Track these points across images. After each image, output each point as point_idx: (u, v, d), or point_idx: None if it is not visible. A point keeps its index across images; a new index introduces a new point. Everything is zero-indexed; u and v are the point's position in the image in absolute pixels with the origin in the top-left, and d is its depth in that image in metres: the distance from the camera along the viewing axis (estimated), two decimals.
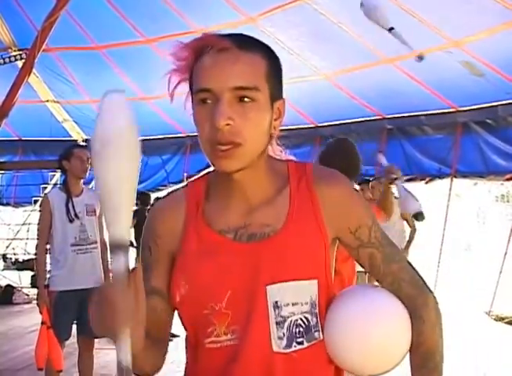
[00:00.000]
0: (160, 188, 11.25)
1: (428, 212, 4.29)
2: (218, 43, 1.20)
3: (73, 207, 4.46)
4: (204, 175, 1.40)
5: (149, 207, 8.49)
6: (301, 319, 1.26)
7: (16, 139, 12.29)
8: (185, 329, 1.35)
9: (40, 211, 4.70)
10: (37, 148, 12.20)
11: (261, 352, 1.24)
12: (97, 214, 4.58)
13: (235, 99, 1.20)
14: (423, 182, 8.92)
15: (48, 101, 11.47)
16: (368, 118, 9.25)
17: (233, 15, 8.30)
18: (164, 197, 1.44)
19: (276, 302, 1.24)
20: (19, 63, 9.34)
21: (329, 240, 1.30)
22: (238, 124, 1.19)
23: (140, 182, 10.10)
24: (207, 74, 1.21)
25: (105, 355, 6.36)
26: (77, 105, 11.31)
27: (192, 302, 1.29)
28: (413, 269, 1.36)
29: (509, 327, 7.48)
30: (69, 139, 12.09)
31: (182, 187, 1.41)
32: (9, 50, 10.00)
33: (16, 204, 12.38)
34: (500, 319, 7.57)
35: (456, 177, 8.70)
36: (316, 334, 1.29)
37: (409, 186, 8.55)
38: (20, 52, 9.50)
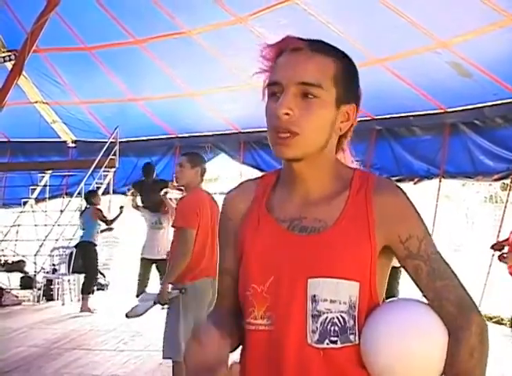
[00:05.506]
0: None
1: None
2: (294, 44, 1.33)
3: None
4: (278, 169, 1.49)
5: None
6: (338, 319, 1.28)
7: (5, 140, 12.25)
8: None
9: None
10: (25, 149, 12.16)
11: (296, 342, 1.28)
12: None
13: (300, 94, 1.30)
14: (412, 182, 8.97)
15: (37, 102, 11.44)
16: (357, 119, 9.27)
17: (223, 15, 8.33)
18: (237, 186, 1.53)
19: (314, 296, 1.28)
20: (9, 65, 9.31)
21: (378, 248, 1.32)
22: (297, 115, 1.29)
23: (130, 184, 10.07)
24: (280, 70, 1.32)
25: (95, 355, 6.35)
26: (66, 106, 11.30)
27: (241, 280, 1.39)
28: (463, 289, 1.34)
29: (497, 327, 7.52)
30: (58, 140, 12.07)
31: (256, 178, 1.51)
32: None
33: (5, 206, 12.35)
34: (489, 319, 7.59)
35: (444, 178, 8.74)
36: (352, 336, 1.29)
37: None
38: (9, 54, 9.46)
